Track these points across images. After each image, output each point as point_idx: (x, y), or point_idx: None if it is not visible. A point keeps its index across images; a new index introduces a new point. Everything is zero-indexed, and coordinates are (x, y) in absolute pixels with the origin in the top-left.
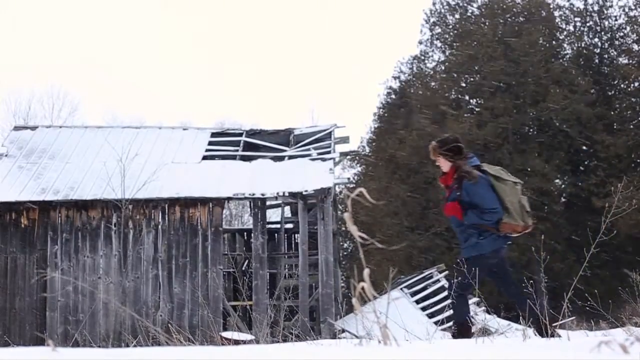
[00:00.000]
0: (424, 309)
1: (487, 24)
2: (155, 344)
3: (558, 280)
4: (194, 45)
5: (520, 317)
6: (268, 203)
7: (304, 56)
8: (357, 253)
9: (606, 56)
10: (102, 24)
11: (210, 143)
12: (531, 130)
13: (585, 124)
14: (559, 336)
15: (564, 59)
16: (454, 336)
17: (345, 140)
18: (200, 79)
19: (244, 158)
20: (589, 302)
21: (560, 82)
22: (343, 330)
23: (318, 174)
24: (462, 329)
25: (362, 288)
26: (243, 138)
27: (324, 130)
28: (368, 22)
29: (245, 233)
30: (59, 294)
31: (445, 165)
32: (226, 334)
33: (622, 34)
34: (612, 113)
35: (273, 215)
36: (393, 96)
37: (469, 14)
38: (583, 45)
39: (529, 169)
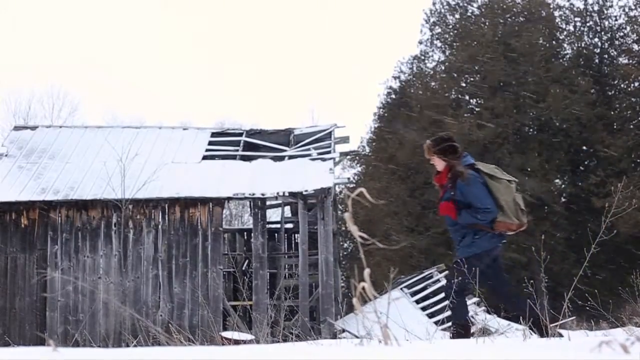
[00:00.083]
0: (424, 309)
1: (487, 24)
2: (155, 344)
3: (558, 280)
4: (194, 45)
5: (520, 318)
6: (268, 203)
7: (304, 56)
8: (357, 253)
9: (606, 56)
10: (102, 24)
11: (210, 143)
12: (531, 130)
13: (585, 124)
14: (561, 336)
15: (564, 59)
16: (453, 337)
17: (345, 140)
18: (200, 79)
19: (244, 158)
20: (589, 302)
21: (560, 82)
22: (343, 330)
23: (318, 174)
24: (461, 329)
25: (363, 288)
26: (243, 138)
27: (324, 130)
28: (368, 22)
29: (245, 233)
30: (59, 294)
31: (439, 164)
32: (226, 334)
33: (622, 34)
34: (612, 113)
35: (273, 215)
36: (393, 96)
37: (469, 14)
38: (583, 45)
39: (529, 169)
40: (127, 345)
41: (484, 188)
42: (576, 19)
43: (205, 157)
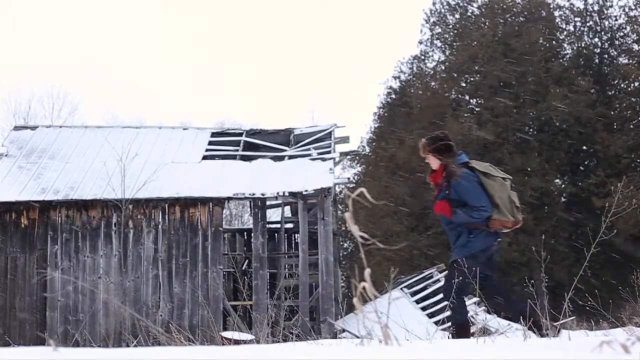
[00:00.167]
0: (424, 308)
1: (487, 24)
2: (155, 344)
3: (558, 280)
4: (194, 45)
5: (521, 318)
6: (268, 203)
7: (304, 56)
8: (357, 253)
9: (606, 56)
10: (102, 24)
11: (210, 143)
12: (531, 130)
13: (585, 124)
14: (558, 332)
15: (564, 59)
16: (453, 337)
17: (345, 140)
18: (200, 79)
19: (244, 158)
20: (589, 302)
21: (560, 82)
22: (343, 330)
23: (318, 174)
24: (461, 329)
25: (363, 288)
26: (243, 138)
27: (324, 130)
28: (368, 22)
29: (245, 233)
30: (59, 293)
31: (434, 163)
32: (226, 334)
33: (622, 34)
34: (612, 113)
35: (273, 215)
36: (393, 96)
37: (469, 14)
38: (583, 45)
39: (529, 169)
40: (127, 345)
41: (478, 186)
42: (576, 19)
43: (205, 157)
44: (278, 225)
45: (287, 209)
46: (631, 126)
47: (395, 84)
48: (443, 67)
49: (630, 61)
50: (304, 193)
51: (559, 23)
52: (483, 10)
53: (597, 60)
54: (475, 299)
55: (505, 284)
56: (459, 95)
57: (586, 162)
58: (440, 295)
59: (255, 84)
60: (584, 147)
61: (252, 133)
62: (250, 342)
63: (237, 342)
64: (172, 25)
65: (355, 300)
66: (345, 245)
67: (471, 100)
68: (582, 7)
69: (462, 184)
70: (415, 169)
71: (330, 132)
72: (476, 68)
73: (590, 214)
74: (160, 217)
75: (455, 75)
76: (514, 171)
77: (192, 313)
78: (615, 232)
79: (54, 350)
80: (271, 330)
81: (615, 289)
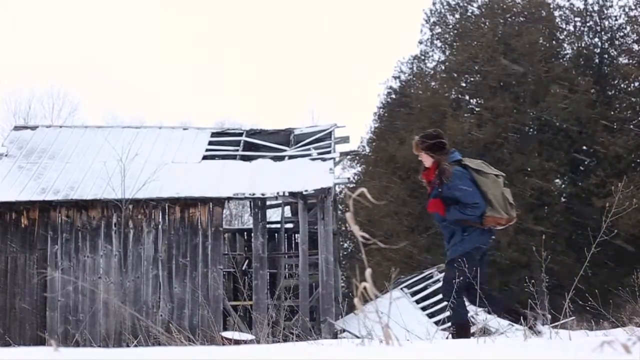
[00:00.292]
0: (424, 308)
1: (487, 24)
2: (156, 344)
3: (558, 280)
4: (194, 45)
5: (522, 318)
6: (268, 203)
7: (304, 56)
8: (357, 253)
9: (606, 56)
10: (102, 24)
11: (210, 143)
12: (531, 130)
13: (585, 124)
14: (544, 323)
15: (564, 59)
16: (454, 337)
17: (345, 140)
18: (200, 79)
19: (244, 158)
20: (589, 302)
21: (560, 82)
22: (343, 330)
23: (318, 174)
24: (461, 329)
25: (364, 288)
26: (243, 138)
27: (324, 130)
28: (368, 22)
29: (245, 233)
30: (59, 293)
31: (427, 160)
32: (227, 334)
33: (622, 34)
34: (612, 113)
35: (273, 215)
36: (393, 96)
37: (469, 14)
38: (583, 45)
39: (529, 169)
40: (128, 345)
41: (471, 184)
42: (576, 19)
43: (205, 157)
44: (278, 225)
45: (287, 209)
46: (631, 126)
47: (396, 84)
48: (443, 67)
49: (630, 61)
50: (304, 193)
51: (559, 23)
52: (483, 10)
53: (597, 60)
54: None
55: (485, 279)
56: (459, 95)
57: (586, 162)
58: (440, 295)
59: (255, 84)
60: (584, 147)
61: (252, 133)
62: (251, 342)
63: (237, 342)
64: (172, 25)
65: (356, 300)
66: (345, 245)
67: (471, 100)
68: (582, 7)
69: (455, 181)
70: (415, 169)
71: (330, 132)
72: (476, 68)
73: (590, 214)
74: (160, 217)
75: (455, 75)
76: (514, 171)
77: (192, 313)
78: (616, 232)
79: (55, 350)
80: (271, 330)
81: (615, 289)
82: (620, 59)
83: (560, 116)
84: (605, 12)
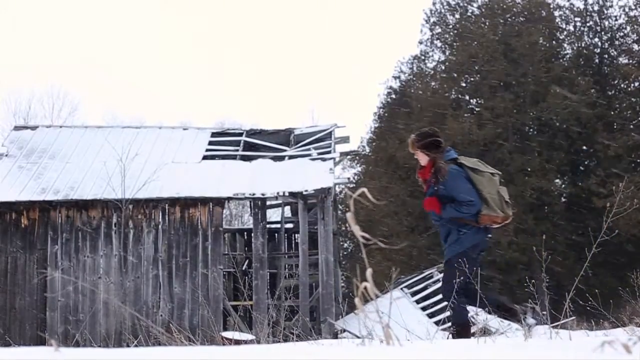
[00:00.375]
0: (424, 308)
1: (487, 24)
2: (156, 344)
3: (558, 280)
4: (194, 45)
5: (523, 317)
6: (268, 203)
7: (304, 56)
8: (357, 253)
9: (606, 56)
10: (102, 24)
11: (210, 143)
12: (531, 130)
13: (585, 124)
14: (533, 316)
15: (564, 59)
16: (454, 337)
17: (345, 140)
18: (200, 79)
19: (244, 158)
20: (589, 302)
21: (560, 82)
22: (344, 330)
23: (318, 174)
24: (461, 329)
25: (365, 288)
26: (243, 138)
27: (324, 130)
28: (368, 22)
29: (245, 233)
30: (60, 293)
31: (423, 159)
32: (227, 334)
33: (622, 34)
34: (612, 113)
35: (273, 215)
36: (393, 96)
37: (469, 14)
38: (583, 45)
39: (529, 169)
40: (128, 345)
41: (466, 181)
42: (576, 19)
43: (205, 157)
44: (278, 225)
45: (287, 209)
46: (631, 126)
47: (396, 84)
48: (443, 67)
49: (630, 61)
50: (304, 193)
51: (559, 23)
52: (483, 10)
53: (597, 60)
54: None
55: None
56: (459, 95)
57: (586, 162)
58: (440, 295)
59: (255, 84)
60: (584, 147)
61: (252, 133)
62: (251, 342)
63: (237, 342)
64: (172, 25)
65: (356, 300)
66: (345, 245)
67: (471, 100)
68: (582, 7)
69: (450, 179)
70: (415, 169)
71: (331, 132)
72: (476, 68)
73: (591, 214)
74: (160, 217)
75: (455, 75)
76: (514, 171)
77: (192, 313)
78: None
79: (56, 350)
80: (272, 330)
81: (615, 288)
82: (620, 59)
83: (560, 116)
84: (605, 12)
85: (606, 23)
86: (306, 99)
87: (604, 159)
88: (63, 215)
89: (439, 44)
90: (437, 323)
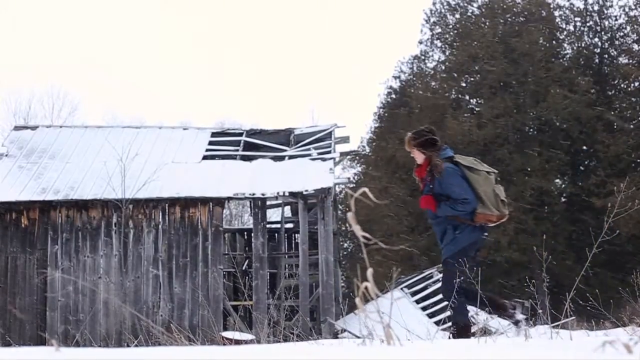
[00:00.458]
0: (424, 308)
1: (487, 24)
2: (156, 344)
3: (558, 280)
4: (194, 45)
5: (512, 313)
6: (268, 203)
7: (304, 56)
8: (357, 253)
9: (606, 56)
10: (102, 24)
11: (210, 143)
12: (531, 130)
13: (585, 124)
14: (523, 311)
15: (564, 59)
16: (454, 337)
17: (345, 140)
18: (200, 79)
19: (244, 158)
20: (590, 302)
21: (560, 82)
22: (344, 330)
23: (318, 174)
24: (462, 329)
25: (366, 288)
26: (243, 138)
27: (324, 130)
28: (368, 22)
29: (245, 233)
30: (60, 293)
31: (419, 157)
32: (227, 334)
33: (622, 34)
34: (612, 113)
35: (273, 215)
36: (393, 96)
37: (469, 14)
38: (583, 45)
39: (529, 169)
40: (128, 345)
41: (462, 180)
42: (576, 19)
43: (205, 157)
44: (278, 225)
45: (287, 209)
46: (631, 126)
47: (396, 84)
48: (443, 67)
49: (630, 61)
50: (304, 193)
51: (559, 23)
52: (483, 10)
53: (597, 60)
54: None
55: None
56: (459, 95)
57: (586, 162)
58: (440, 295)
59: (255, 84)
60: (584, 147)
61: (252, 133)
62: (251, 342)
63: (237, 342)
64: (172, 25)
65: (357, 300)
66: (345, 245)
67: (471, 100)
68: (582, 7)
69: (446, 177)
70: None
71: (331, 132)
72: (476, 68)
73: (591, 214)
74: (161, 217)
75: (455, 75)
76: (514, 171)
77: (193, 313)
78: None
79: (57, 350)
80: (272, 330)
81: (615, 288)
82: (620, 59)
83: (560, 116)
84: (605, 12)
85: (606, 23)
86: (306, 99)
87: (604, 159)
88: (63, 215)
89: (439, 44)
90: (437, 323)
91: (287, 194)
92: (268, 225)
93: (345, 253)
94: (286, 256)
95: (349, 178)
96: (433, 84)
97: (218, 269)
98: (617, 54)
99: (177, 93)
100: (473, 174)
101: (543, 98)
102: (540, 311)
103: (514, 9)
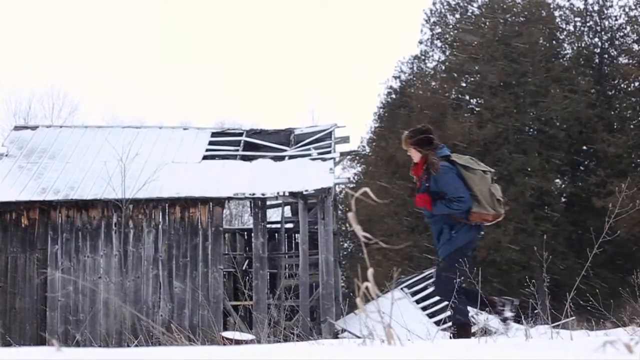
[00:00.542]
0: (424, 308)
1: (487, 24)
2: (156, 344)
3: (559, 280)
4: (194, 45)
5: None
6: (268, 203)
7: (304, 56)
8: (357, 253)
9: (606, 56)
10: (102, 24)
11: (210, 143)
12: (531, 130)
13: (585, 124)
14: (513, 308)
15: (564, 59)
16: (454, 336)
17: (345, 140)
18: (200, 79)
19: (244, 158)
20: (590, 302)
21: (560, 82)
22: (344, 330)
23: (318, 174)
24: (462, 329)
25: (366, 287)
26: (243, 138)
27: (324, 130)
28: (368, 22)
29: (245, 233)
30: (60, 293)
31: (415, 155)
32: (227, 334)
33: (622, 33)
34: (612, 113)
35: (273, 215)
36: (393, 96)
37: (469, 13)
38: (583, 45)
39: (529, 169)
40: (128, 345)
41: (457, 178)
42: (576, 19)
43: (205, 157)
44: (278, 225)
45: (287, 209)
46: (631, 126)
47: (396, 84)
48: (443, 67)
49: (630, 61)
50: (304, 193)
51: (559, 23)
52: (483, 10)
53: (597, 60)
54: None
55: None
56: (459, 95)
57: (586, 162)
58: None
59: (255, 84)
60: (584, 147)
61: (252, 133)
62: (251, 342)
63: (237, 342)
64: (172, 25)
65: (357, 300)
66: (346, 245)
67: (471, 100)
68: (582, 7)
69: (441, 175)
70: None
71: (331, 132)
72: (476, 68)
73: (591, 214)
74: (161, 217)
75: (455, 75)
76: (514, 171)
77: (193, 313)
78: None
79: (57, 350)
80: (272, 330)
81: (616, 288)
82: (620, 59)
83: (560, 116)
84: (605, 12)
85: (606, 23)
86: (306, 99)
87: (604, 159)
88: (63, 215)
89: (439, 44)
90: (437, 323)
91: (287, 194)
92: (268, 225)
93: (345, 253)
94: (286, 256)
95: (349, 178)
96: (433, 84)
97: (218, 269)
98: (617, 54)
99: (177, 93)
100: (469, 172)
101: (543, 98)
102: (541, 311)
103: (514, 9)
